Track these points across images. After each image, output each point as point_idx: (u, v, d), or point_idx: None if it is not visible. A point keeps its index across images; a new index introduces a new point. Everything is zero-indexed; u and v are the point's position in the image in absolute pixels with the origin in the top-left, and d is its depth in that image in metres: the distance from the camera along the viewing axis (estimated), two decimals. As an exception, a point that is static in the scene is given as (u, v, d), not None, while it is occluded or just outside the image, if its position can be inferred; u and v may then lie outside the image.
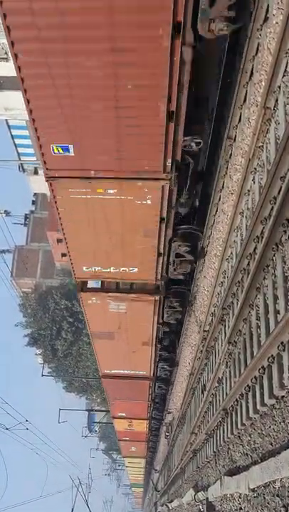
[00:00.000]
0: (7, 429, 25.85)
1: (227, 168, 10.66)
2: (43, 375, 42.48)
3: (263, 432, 7.64)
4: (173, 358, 20.90)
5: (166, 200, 9.92)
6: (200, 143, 9.33)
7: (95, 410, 52.90)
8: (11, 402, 26.20)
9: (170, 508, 22.94)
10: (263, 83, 8.13)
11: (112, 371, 19.59)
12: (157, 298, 13.83)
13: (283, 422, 6.81)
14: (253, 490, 7.69)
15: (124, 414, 27.07)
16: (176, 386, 22.89)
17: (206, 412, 13.41)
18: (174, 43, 6.96)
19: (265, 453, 7.44)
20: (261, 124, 8.31)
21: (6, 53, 20.37)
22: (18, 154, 32.34)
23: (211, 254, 12.90)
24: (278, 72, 7.51)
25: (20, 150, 31.83)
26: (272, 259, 7.63)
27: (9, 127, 29.64)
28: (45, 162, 9.13)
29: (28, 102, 7.94)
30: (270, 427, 7.34)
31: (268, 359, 7.21)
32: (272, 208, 7.57)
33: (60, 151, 8.78)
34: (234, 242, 10.71)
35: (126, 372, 19.58)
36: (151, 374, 19.72)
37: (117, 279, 12.92)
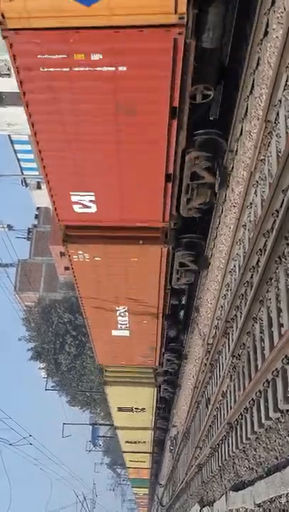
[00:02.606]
0: (10, 444, 25.61)
1: (229, 181, 10.69)
2: (46, 389, 42.38)
3: (268, 446, 7.59)
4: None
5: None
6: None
7: (99, 424, 52.73)
8: (14, 417, 26.04)
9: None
10: (264, 97, 8.19)
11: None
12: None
13: (288, 435, 6.76)
14: (258, 505, 7.61)
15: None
16: (182, 395, 22.72)
17: (210, 425, 13.32)
18: None
19: (270, 467, 7.39)
20: (262, 137, 8.36)
21: (8, 69, 20.57)
22: (21, 169, 32.53)
23: (214, 266, 12.89)
24: (279, 85, 7.57)
25: (23, 164, 32.00)
26: (276, 272, 7.63)
27: (12, 142, 29.83)
28: None
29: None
30: (275, 441, 7.29)
31: (273, 372, 7.18)
32: (274, 221, 7.59)
33: None
34: (237, 255, 10.72)
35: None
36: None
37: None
